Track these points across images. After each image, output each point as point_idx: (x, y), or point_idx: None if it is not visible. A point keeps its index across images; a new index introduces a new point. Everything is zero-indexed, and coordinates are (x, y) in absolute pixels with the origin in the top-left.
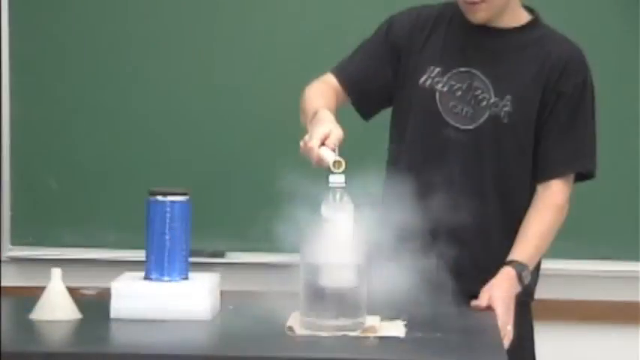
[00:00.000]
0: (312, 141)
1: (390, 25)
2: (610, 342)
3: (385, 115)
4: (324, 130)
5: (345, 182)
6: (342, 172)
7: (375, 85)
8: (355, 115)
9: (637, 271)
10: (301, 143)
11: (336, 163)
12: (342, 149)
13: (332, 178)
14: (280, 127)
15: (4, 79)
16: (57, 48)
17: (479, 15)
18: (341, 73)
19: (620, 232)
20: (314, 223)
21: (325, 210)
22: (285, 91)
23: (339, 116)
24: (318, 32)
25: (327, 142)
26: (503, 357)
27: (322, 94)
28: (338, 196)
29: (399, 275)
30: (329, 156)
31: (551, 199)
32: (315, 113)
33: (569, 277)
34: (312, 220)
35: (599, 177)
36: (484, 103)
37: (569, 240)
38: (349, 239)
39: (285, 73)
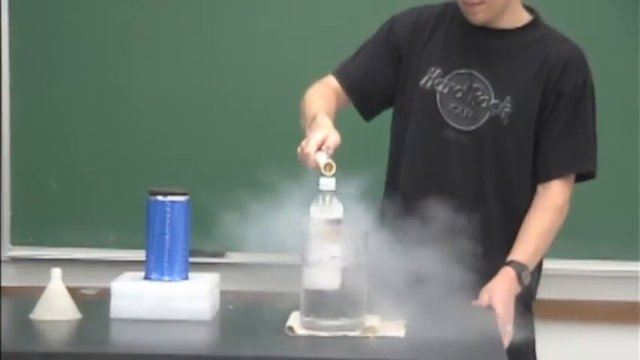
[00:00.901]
0: (308, 147)
1: (390, 25)
2: (610, 342)
3: (386, 116)
4: (321, 135)
5: (335, 185)
6: (333, 175)
7: (376, 85)
8: (356, 117)
9: (637, 271)
10: (299, 149)
11: (326, 166)
12: (343, 151)
13: (322, 182)
14: (281, 127)
15: (4, 78)
16: (57, 48)
17: (479, 16)
18: (342, 75)
19: (620, 232)
20: (306, 225)
21: (314, 212)
22: (286, 92)
23: (339, 118)
24: (319, 32)
25: (323, 148)
26: (503, 357)
27: (322, 96)
28: (327, 198)
29: (398, 276)
30: (322, 160)
31: (552, 200)
32: (314, 118)
33: (569, 277)
34: (307, 222)
35: (599, 177)
36: (484, 104)
37: (569, 240)
38: (338, 242)
39: (286, 73)
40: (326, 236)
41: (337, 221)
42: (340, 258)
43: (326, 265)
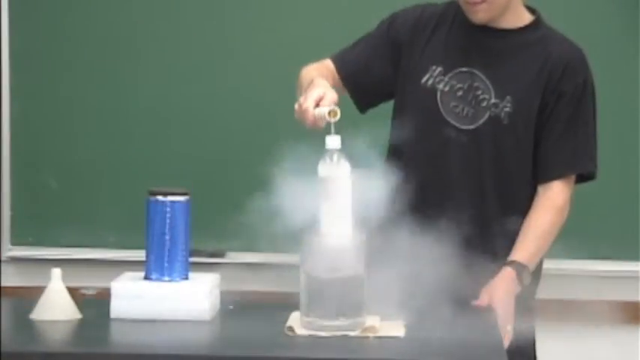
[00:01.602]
0: (306, 102)
1: (392, 20)
2: (610, 342)
3: (387, 113)
4: (318, 92)
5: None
6: (337, 120)
7: (372, 78)
8: (354, 115)
9: (637, 271)
10: (296, 106)
11: (331, 112)
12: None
13: (328, 140)
14: (281, 127)
15: (4, 78)
16: (57, 47)
17: (480, 15)
18: (339, 62)
19: (620, 232)
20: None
21: (322, 171)
22: (287, 91)
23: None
24: (320, 31)
25: (321, 104)
26: (503, 357)
27: (319, 72)
28: (335, 157)
29: (397, 274)
30: (324, 111)
31: (552, 200)
32: (311, 81)
33: (569, 277)
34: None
35: (599, 177)
36: (484, 103)
37: (569, 240)
38: (348, 198)
39: (287, 72)
40: (336, 193)
41: (345, 178)
42: (351, 214)
43: (338, 220)
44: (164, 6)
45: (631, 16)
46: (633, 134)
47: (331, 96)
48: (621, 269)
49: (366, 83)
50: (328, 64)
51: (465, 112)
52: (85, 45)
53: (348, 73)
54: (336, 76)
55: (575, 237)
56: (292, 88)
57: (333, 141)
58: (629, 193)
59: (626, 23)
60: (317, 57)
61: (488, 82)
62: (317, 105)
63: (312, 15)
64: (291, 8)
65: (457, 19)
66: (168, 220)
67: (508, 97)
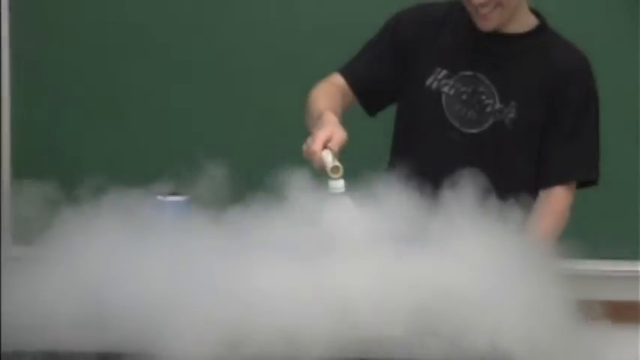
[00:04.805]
0: (314, 144)
1: (396, 24)
2: (610, 342)
3: (390, 116)
4: (326, 133)
5: (345, 187)
6: (340, 178)
7: (383, 86)
8: (358, 115)
9: (637, 271)
10: (304, 146)
11: (333, 168)
12: (345, 148)
13: (331, 185)
14: (283, 126)
15: (5, 78)
16: (58, 47)
17: (491, 23)
18: (349, 74)
19: (620, 232)
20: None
21: (327, 219)
22: (289, 91)
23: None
24: (323, 29)
25: (329, 145)
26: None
27: (329, 95)
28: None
29: None
30: (328, 161)
31: (553, 206)
32: (320, 115)
33: (570, 277)
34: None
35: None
36: (489, 108)
37: (569, 240)
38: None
39: (288, 71)
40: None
41: (354, 221)
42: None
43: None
44: (165, 8)
45: (631, 16)
46: (633, 134)
47: (339, 136)
48: (621, 269)
49: (376, 91)
50: (337, 81)
51: (468, 115)
52: (86, 45)
53: (359, 84)
54: (347, 89)
55: (575, 237)
56: (296, 88)
57: (336, 185)
58: (629, 192)
59: (626, 23)
60: (321, 56)
61: (492, 88)
62: (325, 146)
63: (315, 13)
64: (294, 5)
65: (462, 21)
66: None
67: (513, 103)
